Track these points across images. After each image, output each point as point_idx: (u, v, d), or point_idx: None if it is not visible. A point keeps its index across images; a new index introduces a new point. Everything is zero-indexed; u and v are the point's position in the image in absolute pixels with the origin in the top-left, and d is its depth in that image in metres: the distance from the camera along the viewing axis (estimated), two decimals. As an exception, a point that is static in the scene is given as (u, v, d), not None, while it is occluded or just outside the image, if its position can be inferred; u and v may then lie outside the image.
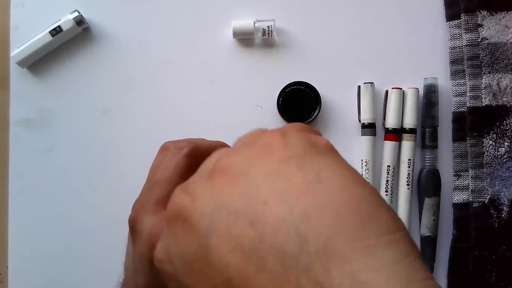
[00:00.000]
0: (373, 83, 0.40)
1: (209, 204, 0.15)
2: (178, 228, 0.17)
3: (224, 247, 0.14)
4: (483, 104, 0.39)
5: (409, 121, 0.39)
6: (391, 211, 0.15)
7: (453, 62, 0.40)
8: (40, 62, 0.42)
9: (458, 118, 0.39)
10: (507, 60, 0.39)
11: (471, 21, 0.39)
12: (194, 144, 0.29)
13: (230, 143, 0.34)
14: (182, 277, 0.17)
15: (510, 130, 0.39)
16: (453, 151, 0.40)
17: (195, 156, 0.29)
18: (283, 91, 0.40)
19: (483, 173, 0.39)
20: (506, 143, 0.39)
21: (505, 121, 0.39)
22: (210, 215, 0.15)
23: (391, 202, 0.40)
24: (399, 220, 0.15)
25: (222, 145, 0.34)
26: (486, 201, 0.38)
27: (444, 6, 0.41)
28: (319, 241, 0.13)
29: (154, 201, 0.28)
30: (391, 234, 0.14)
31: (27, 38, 0.41)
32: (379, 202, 0.15)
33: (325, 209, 0.14)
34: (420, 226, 0.39)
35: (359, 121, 0.40)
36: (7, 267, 0.41)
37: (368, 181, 0.15)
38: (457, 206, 0.39)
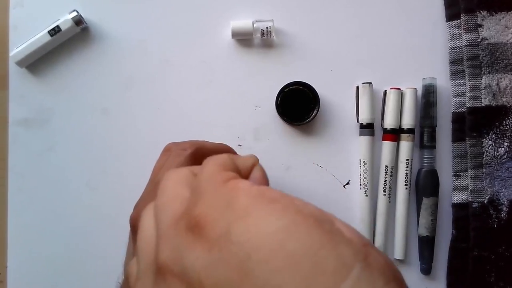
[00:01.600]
0: (371, 83, 0.40)
1: None
2: None
3: None
4: (483, 104, 0.39)
5: (408, 121, 0.39)
6: (336, 247, 0.14)
7: (453, 62, 0.40)
8: (39, 62, 0.42)
9: (458, 119, 0.39)
10: (507, 60, 0.39)
11: (471, 21, 0.39)
12: (197, 146, 0.29)
13: (229, 143, 0.34)
14: None
15: (510, 130, 0.39)
16: (452, 151, 0.40)
17: (198, 157, 0.29)
18: (281, 91, 0.40)
19: (483, 173, 0.39)
20: (506, 143, 0.39)
21: (504, 121, 0.39)
22: None
23: (389, 202, 0.40)
24: (349, 254, 0.14)
25: (225, 147, 0.34)
26: (485, 201, 0.38)
27: (444, 6, 0.41)
28: None
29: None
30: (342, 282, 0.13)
31: (26, 38, 0.41)
32: (318, 250, 0.14)
33: None
34: (418, 226, 0.39)
35: (358, 121, 0.40)
36: (7, 267, 0.42)
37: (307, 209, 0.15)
38: (457, 206, 0.39)
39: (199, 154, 0.29)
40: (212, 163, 0.18)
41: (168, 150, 0.30)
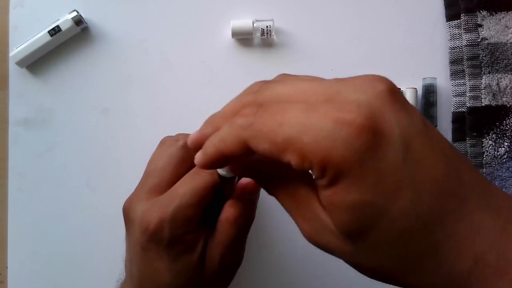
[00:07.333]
0: (372, 83, 0.40)
1: None
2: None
3: None
4: (483, 104, 0.39)
5: (408, 121, 0.39)
6: None
7: (453, 62, 0.40)
8: (39, 62, 0.42)
9: (458, 118, 0.39)
10: (507, 60, 0.39)
11: (471, 21, 0.39)
12: None
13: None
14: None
15: (510, 130, 0.39)
16: (452, 151, 0.40)
17: (190, 148, 0.30)
18: (282, 91, 0.40)
19: (483, 173, 0.39)
20: (506, 143, 0.39)
21: (504, 121, 0.39)
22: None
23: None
24: None
25: None
26: (485, 202, 0.38)
27: (444, 6, 0.41)
28: None
29: (147, 189, 0.28)
30: None
31: (26, 38, 0.41)
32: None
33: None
34: (419, 226, 0.39)
35: (358, 121, 0.40)
36: (7, 267, 0.42)
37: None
38: (457, 207, 0.39)
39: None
40: None
41: (163, 142, 0.31)
